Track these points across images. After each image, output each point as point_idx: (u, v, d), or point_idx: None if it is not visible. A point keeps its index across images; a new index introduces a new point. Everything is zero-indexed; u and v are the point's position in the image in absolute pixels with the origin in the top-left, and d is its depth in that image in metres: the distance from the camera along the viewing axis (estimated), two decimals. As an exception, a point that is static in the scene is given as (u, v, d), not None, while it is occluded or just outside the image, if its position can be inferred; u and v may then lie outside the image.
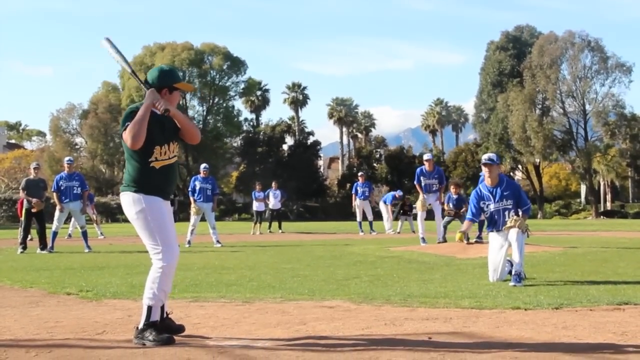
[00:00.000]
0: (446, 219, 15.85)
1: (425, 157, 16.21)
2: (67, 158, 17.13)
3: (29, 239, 15.93)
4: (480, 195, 8.75)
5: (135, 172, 4.99)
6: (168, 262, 4.93)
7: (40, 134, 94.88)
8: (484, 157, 8.79)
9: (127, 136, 4.83)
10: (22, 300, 7.16)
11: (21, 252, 14.94)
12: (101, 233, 22.65)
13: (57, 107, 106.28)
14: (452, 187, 16.66)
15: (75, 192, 15.79)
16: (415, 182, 15.97)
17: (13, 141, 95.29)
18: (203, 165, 17.86)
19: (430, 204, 15.90)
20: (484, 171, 8.80)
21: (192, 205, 17.21)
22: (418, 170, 15.89)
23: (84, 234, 15.76)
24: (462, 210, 15.82)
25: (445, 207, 16.00)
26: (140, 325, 4.89)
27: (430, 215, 16.18)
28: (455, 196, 16.09)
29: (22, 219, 16.20)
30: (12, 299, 7.26)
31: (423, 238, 15.27)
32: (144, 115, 4.85)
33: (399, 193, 26.30)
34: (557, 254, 12.65)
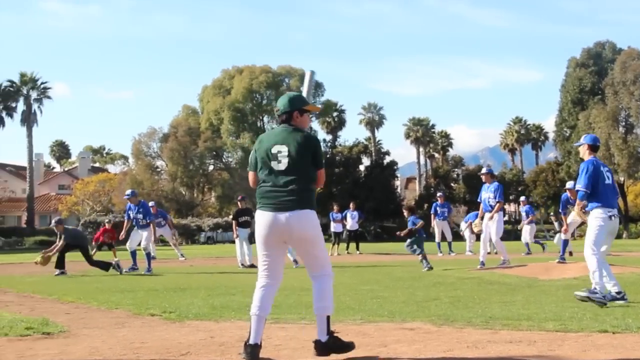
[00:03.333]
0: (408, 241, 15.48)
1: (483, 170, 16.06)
2: (127, 192, 17.71)
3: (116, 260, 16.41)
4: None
5: (314, 196, 5.46)
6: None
7: (124, 157, 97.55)
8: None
9: (321, 183, 5.52)
10: (108, 321, 7.33)
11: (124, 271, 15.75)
12: (182, 254, 23.07)
13: (138, 131, 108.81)
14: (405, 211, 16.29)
15: (140, 224, 16.25)
16: (500, 199, 15.43)
17: (97, 165, 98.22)
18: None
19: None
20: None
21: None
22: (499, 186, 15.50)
23: (147, 255, 16.07)
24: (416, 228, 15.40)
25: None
26: (325, 338, 5.21)
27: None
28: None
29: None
30: (99, 320, 7.45)
31: (483, 262, 14.92)
32: None
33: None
34: (644, 275, 12.23)
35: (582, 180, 8.57)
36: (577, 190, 8.65)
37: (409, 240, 15.38)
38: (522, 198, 27.02)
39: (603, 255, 8.66)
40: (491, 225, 15.12)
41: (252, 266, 16.99)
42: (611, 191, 8.67)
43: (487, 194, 15.30)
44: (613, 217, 8.48)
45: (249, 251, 17.31)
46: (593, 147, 8.90)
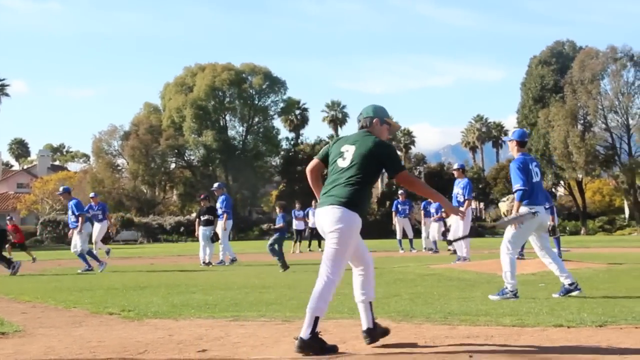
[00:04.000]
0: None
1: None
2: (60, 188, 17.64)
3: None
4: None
5: (364, 198, 5.39)
6: (340, 277, 5.36)
7: (85, 155, 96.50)
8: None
9: (415, 185, 5.58)
10: (65, 320, 7.25)
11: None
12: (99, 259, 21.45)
13: (99, 129, 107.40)
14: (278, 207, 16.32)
15: (71, 219, 16.16)
16: (469, 197, 15.63)
17: (57, 163, 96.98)
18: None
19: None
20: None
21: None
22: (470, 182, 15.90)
23: (81, 257, 15.93)
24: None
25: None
26: (307, 336, 5.16)
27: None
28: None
29: None
30: (55, 319, 7.36)
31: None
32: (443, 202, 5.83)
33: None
34: (601, 270, 12.44)
35: (519, 179, 8.54)
36: (516, 191, 8.58)
37: (272, 239, 15.20)
38: None
39: (545, 250, 8.76)
40: (459, 222, 15.34)
41: (209, 264, 16.95)
42: (538, 188, 8.69)
43: (457, 189, 15.55)
44: (536, 215, 8.47)
45: (210, 250, 17.25)
46: (521, 143, 8.89)
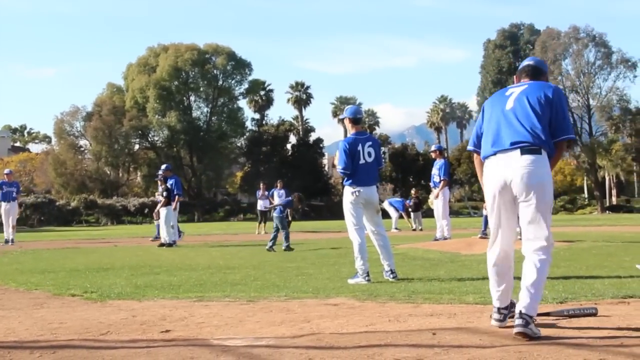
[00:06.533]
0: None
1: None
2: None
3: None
4: None
5: None
6: None
7: (47, 137, 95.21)
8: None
9: None
10: (26, 302, 7.16)
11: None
12: (12, 240, 20.11)
13: (61, 109, 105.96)
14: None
15: None
16: (445, 177, 15.69)
17: (18, 144, 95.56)
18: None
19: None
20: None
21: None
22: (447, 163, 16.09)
23: None
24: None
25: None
26: None
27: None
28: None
29: None
30: (16, 301, 7.27)
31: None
32: None
33: (409, 202, 27.02)
34: (562, 248, 12.61)
35: (341, 162, 8.63)
36: (339, 171, 8.75)
37: None
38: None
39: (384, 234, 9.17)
40: (437, 202, 15.57)
41: (163, 245, 16.85)
42: (365, 170, 8.64)
43: (435, 170, 15.74)
44: (357, 193, 8.61)
45: (174, 229, 17.15)
46: (354, 120, 8.78)
